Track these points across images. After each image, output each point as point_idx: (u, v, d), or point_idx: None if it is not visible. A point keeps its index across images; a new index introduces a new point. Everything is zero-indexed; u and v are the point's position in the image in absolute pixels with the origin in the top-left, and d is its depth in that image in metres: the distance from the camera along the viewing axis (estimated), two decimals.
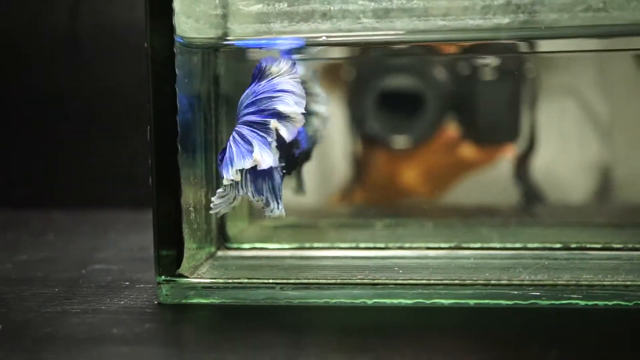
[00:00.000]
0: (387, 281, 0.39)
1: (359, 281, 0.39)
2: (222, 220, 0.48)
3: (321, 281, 0.39)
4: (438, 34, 0.41)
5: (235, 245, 0.48)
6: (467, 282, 0.39)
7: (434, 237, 0.49)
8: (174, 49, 0.39)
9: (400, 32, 0.41)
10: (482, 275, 0.40)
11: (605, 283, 0.38)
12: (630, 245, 0.46)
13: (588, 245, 0.46)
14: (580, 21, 0.40)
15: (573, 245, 0.46)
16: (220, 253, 0.47)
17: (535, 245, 0.46)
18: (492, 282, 0.39)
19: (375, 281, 0.39)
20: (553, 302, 0.38)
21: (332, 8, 0.40)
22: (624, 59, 0.52)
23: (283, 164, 0.39)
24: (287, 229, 0.54)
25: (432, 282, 0.39)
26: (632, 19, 0.40)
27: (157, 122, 0.39)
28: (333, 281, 0.39)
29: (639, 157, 0.55)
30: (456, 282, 0.39)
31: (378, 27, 0.40)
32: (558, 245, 0.46)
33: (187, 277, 0.40)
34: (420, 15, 0.40)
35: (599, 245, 0.46)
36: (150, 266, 0.42)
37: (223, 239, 0.48)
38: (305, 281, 0.40)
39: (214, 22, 0.42)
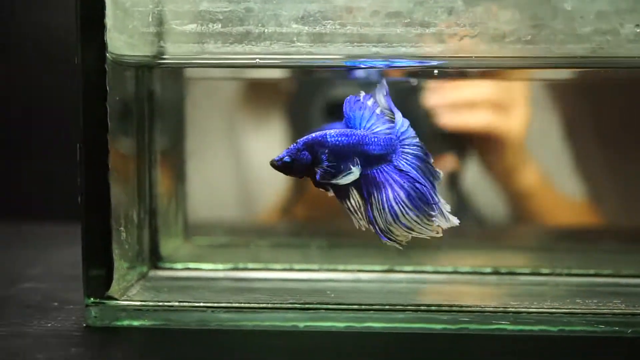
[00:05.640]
0: (319, 305, 0.39)
1: (290, 305, 0.39)
2: (154, 239, 0.47)
3: (252, 305, 0.39)
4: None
5: (168, 265, 0.47)
6: (397, 307, 0.39)
7: (368, 259, 0.49)
8: (106, 66, 0.38)
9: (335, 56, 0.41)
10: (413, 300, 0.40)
11: (531, 310, 0.39)
12: (557, 271, 0.47)
13: (517, 271, 0.47)
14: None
15: (503, 270, 0.47)
16: (152, 273, 0.46)
17: (467, 269, 0.47)
18: (422, 307, 0.39)
19: (307, 305, 0.39)
20: (481, 326, 0.39)
21: (266, 30, 0.40)
22: None
23: None
24: (222, 248, 0.53)
25: (363, 307, 0.39)
26: None
27: (87, 139, 0.39)
28: (264, 305, 0.39)
29: None
30: (387, 307, 0.39)
31: (312, 51, 0.40)
32: (488, 270, 0.47)
33: (116, 299, 0.39)
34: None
35: (527, 271, 0.47)
36: (80, 285, 0.41)
37: (155, 259, 0.47)
38: (237, 305, 0.39)
39: (147, 40, 0.42)
